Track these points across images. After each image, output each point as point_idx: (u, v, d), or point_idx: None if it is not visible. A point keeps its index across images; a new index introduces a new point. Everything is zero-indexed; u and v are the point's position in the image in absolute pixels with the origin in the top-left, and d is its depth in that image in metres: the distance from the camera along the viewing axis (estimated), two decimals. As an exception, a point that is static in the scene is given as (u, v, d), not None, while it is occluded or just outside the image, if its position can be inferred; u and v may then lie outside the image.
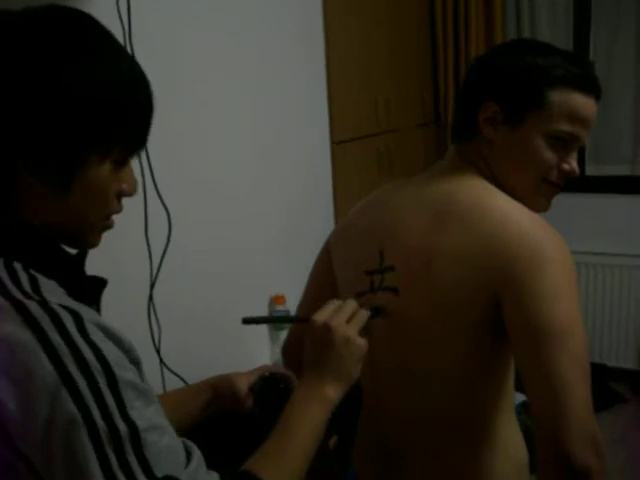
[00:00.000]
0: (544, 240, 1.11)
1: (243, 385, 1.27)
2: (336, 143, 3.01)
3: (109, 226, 0.96)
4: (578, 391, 1.01)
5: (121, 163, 0.90)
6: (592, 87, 1.22)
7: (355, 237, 1.36)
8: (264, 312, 2.69)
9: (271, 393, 1.27)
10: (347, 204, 3.08)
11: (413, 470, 1.31)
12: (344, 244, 1.39)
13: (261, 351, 2.69)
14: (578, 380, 1.02)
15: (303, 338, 1.53)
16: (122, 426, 0.77)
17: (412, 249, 1.21)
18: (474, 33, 3.66)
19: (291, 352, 1.55)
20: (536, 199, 1.26)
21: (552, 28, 3.80)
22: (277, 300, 2.68)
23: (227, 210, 2.45)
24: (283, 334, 2.63)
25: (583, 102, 1.21)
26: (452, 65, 3.76)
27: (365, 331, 1.27)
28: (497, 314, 1.12)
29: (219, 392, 1.28)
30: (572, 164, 1.24)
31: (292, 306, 2.69)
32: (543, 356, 1.03)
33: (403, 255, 1.22)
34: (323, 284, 1.46)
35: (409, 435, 1.31)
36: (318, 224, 2.99)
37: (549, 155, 1.22)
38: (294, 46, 2.76)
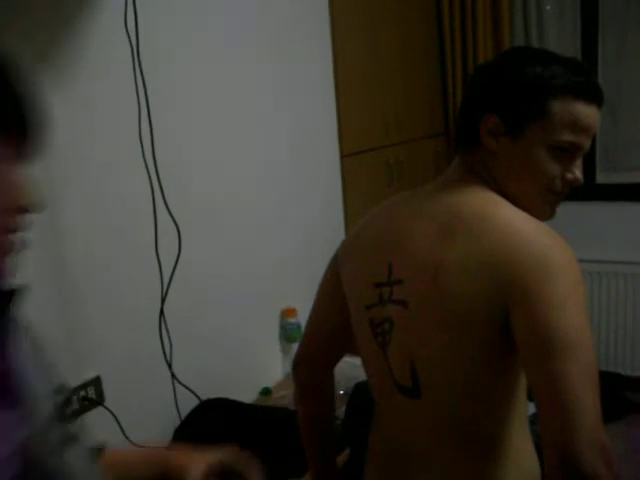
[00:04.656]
0: (551, 249, 1.10)
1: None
2: (345, 156, 3.02)
3: (6, 250, 0.80)
4: (587, 400, 0.99)
5: None
6: (593, 95, 1.21)
7: (363, 249, 1.35)
8: (276, 325, 2.70)
9: None
10: (358, 216, 3.07)
11: None
12: (352, 257, 1.39)
13: (273, 364, 2.69)
14: (587, 389, 1.00)
15: (315, 354, 1.55)
16: None
17: (420, 261, 1.20)
18: (482, 43, 3.66)
19: (302, 368, 1.57)
20: (541, 208, 1.25)
21: (560, 37, 3.80)
22: (288, 313, 2.68)
23: (237, 224, 2.46)
24: (295, 347, 2.64)
25: (585, 111, 1.20)
26: (460, 76, 3.76)
27: (377, 343, 1.30)
28: (507, 325, 1.11)
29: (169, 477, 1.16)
30: (576, 173, 1.24)
31: (303, 319, 2.69)
32: (552, 366, 1.02)
33: (412, 268, 1.22)
34: (333, 298, 1.46)
35: (421, 447, 1.30)
36: (329, 236, 2.99)
37: (552, 166, 1.21)
38: (303, 61, 2.78)
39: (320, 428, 1.60)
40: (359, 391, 2.23)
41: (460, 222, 1.17)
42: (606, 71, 3.75)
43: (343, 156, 3.01)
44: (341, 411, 2.24)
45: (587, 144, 1.23)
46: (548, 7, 3.73)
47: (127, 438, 1.96)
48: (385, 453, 1.40)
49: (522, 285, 1.08)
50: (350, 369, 2.41)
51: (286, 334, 2.69)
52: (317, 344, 1.55)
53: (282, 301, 2.70)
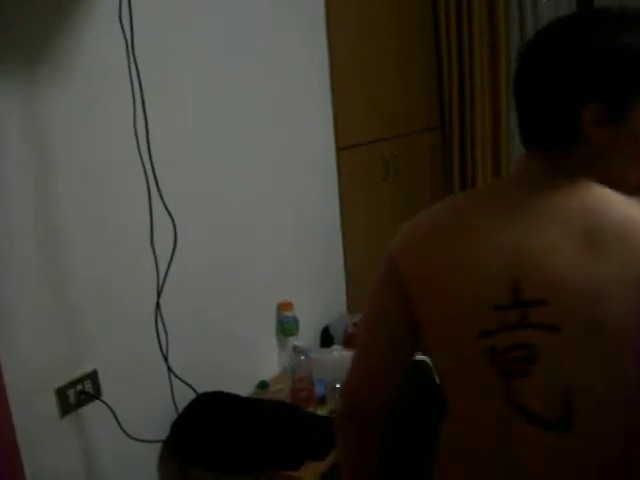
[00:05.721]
0: None
1: None
2: (341, 149, 3.02)
3: None
4: None
5: None
6: None
7: (460, 265, 1.14)
8: (272, 319, 2.70)
9: None
10: (353, 210, 3.10)
11: None
12: (440, 273, 1.16)
13: (270, 357, 2.70)
14: None
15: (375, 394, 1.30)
16: None
17: (570, 279, 1.03)
18: (477, 34, 3.64)
19: (361, 413, 1.32)
20: None
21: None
22: (284, 307, 2.69)
23: (233, 218, 2.47)
24: (291, 340, 2.65)
25: None
26: (456, 69, 3.75)
27: (499, 374, 1.12)
28: None
29: None
30: None
31: (299, 313, 2.71)
32: None
33: (557, 286, 1.04)
34: (398, 318, 1.25)
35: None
36: (324, 230, 3.01)
37: None
38: (299, 53, 2.77)
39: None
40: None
41: (607, 229, 1.03)
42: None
43: (339, 149, 3.01)
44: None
45: None
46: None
47: (124, 432, 1.97)
48: None
49: None
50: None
51: (282, 328, 2.69)
52: (378, 380, 1.30)
53: (279, 295, 2.71)
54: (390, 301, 1.25)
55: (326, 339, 2.95)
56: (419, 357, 2.37)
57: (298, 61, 2.77)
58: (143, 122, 1.92)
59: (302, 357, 2.46)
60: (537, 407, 1.10)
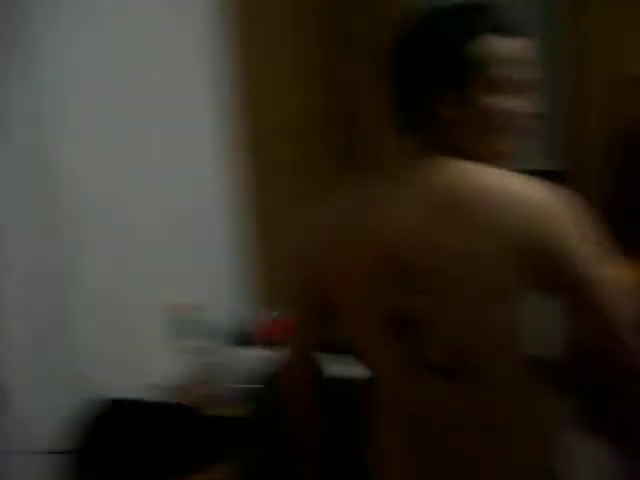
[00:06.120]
0: (549, 199, 1.22)
1: None
2: (240, 147, 3.00)
3: None
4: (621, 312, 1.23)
5: None
6: (501, 24, 1.26)
7: (356, 245, 1.31)
8: (165, 321, 2.63)
9: None
10: (263, 203, 3.07)
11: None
12: (341, 254, 1.34)
13: (170, 361, 2.64)
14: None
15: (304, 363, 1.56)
16: None
17: (446, 249, 1.21)
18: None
19: (294, 380, 1.57)
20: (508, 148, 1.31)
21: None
22: (179, 309, 2.61)
23: (130, 219, 2.42)
24: (198, 341, 2.59)
25: (505, 42, 1.24)
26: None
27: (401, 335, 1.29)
28: (532, 280, 1.22)
29: None
30: (527, 106, 1.29)
31: (207, 313, 2.64)
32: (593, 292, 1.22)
33: (436, 257, 1.22)
34: (311, 300, 1.46)
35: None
36: (217, 231, 2.98)
37: (516, 103, 1.27)
38: (191, 44, 2.72)
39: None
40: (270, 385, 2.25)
41: (468, 200, 1.20)
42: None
43: (236, 147, 2.99)
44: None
45: (525, 75, 1.28)
46: None
47: (32, 446, 1.92)
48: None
49: (544, 242, 1.19)
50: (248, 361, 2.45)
51: (178, 329, 2.64)
52: (306, 353, 1.56)
53: (181, 296, 2.66)
54: (305, 287, 1.46)
55: (237, 338, 2.92)
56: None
57: (189, 59, 2.72)
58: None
59: (206, 358, 2.46)
60: (438, 360, 1.27)
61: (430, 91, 1.25)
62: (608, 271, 1.23)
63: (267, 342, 2.73)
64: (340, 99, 3.52)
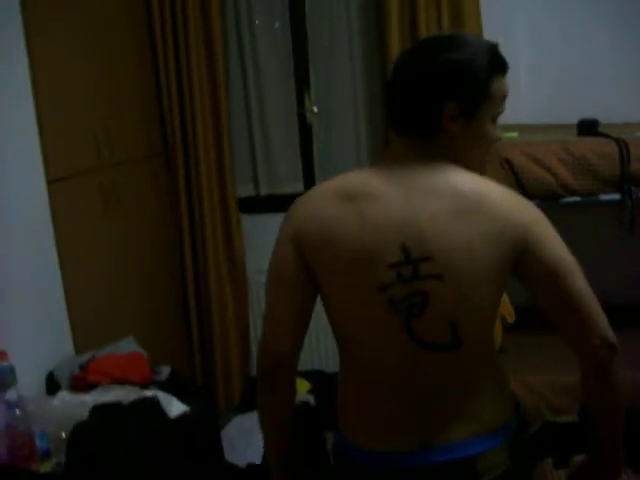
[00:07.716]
0: (533, 207, 1.50)
1: None
2: (53, 181, 2.75)
3: None
4: (598, 307, 1.43)
5: None
6: (505, 65, 1.50)
7: (357, 233, 1.44)
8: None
9: None
10: (73, 246, 2.81)
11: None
12: (340, 242, 1.45)
13: None
14: (595, 299, 1.44)
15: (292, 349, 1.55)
16: None
17: (448, 238, 1.41)
18: (195, 61, 3.58)
19: (283, 368, 1.56)
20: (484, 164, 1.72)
21: (273, 49, 3.84)
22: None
23: None
24: (8, 393, 2.28)
25: (504, 82, 1.50)
26: (176, 96, 3.64)
27: (400, 317, 1.44)
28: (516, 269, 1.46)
29: None
30: (498, 131, 1.56)
31: (17, 361, 2.36)
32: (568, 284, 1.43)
33: (438, 245, 1.41)
34: (301, 285, 1.50)
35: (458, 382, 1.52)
36: (40, 272, 2.71)
37: (494, 132, 1.53)
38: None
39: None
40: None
41: (466, 201, 1.43)
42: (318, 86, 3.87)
43: (50, 181, 2.73)
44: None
45: None
46: (257, 21, 3.78)
47: None
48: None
49: (530, 237, 1.43)
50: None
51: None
52: (293, 338, 1.54)
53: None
54: (291, 263, 1.49)
55: (51, 385, 2.66)
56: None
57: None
58: None
59: (17, 411, 2.18)
60: (430, 337, 1.46)
61: (439, 101, 1.44)
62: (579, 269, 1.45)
63: (81, 386, 2.53)
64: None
